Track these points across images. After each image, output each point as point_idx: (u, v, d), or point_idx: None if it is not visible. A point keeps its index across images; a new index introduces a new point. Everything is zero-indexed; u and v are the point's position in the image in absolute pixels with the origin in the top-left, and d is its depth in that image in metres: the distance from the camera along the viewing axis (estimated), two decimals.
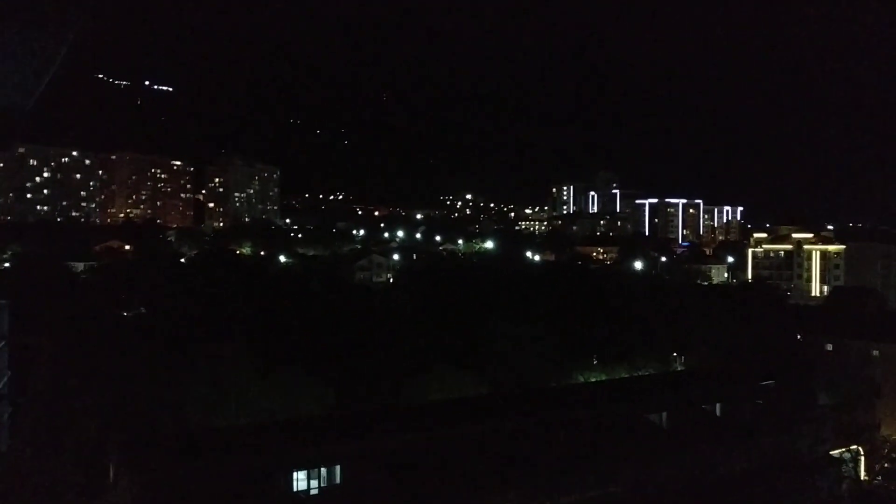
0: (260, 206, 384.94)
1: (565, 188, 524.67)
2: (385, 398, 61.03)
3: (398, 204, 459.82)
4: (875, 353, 68.96)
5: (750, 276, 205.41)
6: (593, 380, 70.50)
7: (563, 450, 45.19)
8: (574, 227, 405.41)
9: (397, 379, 63.68)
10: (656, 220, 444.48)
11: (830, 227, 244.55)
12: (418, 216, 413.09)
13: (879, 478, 60.96)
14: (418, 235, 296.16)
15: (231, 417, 53.72)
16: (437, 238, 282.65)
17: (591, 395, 57.23)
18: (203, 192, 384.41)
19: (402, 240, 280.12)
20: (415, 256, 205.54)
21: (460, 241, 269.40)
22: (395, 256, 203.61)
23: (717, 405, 57.40)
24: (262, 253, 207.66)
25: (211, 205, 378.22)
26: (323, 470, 37.77)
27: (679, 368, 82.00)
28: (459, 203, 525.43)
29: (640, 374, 73.26)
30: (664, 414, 53.47)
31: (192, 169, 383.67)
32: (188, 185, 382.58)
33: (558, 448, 45.22)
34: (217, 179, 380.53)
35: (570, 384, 68.29)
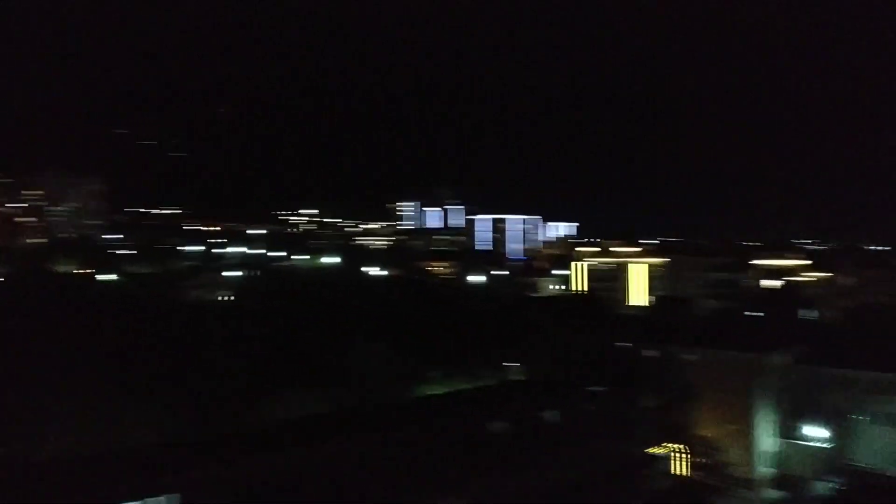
0: (85, 222, 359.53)
1: (407, 204, 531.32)
2: (226, 423, 58.69)
3: (235, 219, 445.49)
4: (691, 357, 74.71)
5: (581, 288, 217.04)
6: (436, 392, 71.56)
7: (406, 465, 45.50)
8: (415, 242, 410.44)
9: (239, 402, 61.47)
10: (495, 235, 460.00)
11: (650, 241, 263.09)
12: (256, 232, 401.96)
13: (694, 472, 66.12)
14: (257, 251, 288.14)
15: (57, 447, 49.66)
16: (277, 254, 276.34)
17: (434, 407, 58.03)
18: (16, 206, 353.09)
19: (239, 256, 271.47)
20: (254, 273, 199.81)
21: (301, 257, 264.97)
22: (233, 273, 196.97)
23: (554, 413, 60.10)
24: (85, 271, 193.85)
25: (26, 219, 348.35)
26: (161, 499, 35.79)
27: (517, 378, 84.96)
28: (299, 218, 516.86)
29: (481, 384, 75.20)
30: (503, 424, 55.26)
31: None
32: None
33: (402, 464, 45.48)
34: (33, 192, 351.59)
35: (414, 398, 68.90)
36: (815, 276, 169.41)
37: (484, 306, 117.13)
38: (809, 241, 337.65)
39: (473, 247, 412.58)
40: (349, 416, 55.08)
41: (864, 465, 68.16)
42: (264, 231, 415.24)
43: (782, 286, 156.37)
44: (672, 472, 66.17)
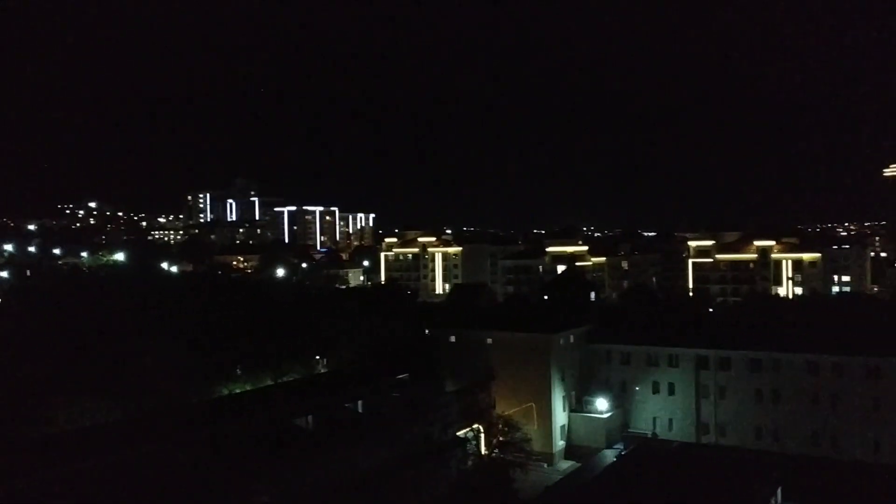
0: None
1: (201, 195, 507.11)
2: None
3: (4, 213, 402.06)
4: (489, 340, 78.10)
5: (383, 278, 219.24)
6: (238, 391, 69.21)
7: (206, 467, 43.60)
8: (212, 236, 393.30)
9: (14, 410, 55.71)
10: (295, 228, 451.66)
11: (449, 231, 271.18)
12: (31, 227, 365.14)
13: (496, 451, 69.22)
14: (32, 249, 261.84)
15: None
16: (56, 251, 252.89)
17: (237, 406, 56.07)
18: None
19: (9, 254, 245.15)
20: (28, 273, 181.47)
21: (84, 254, 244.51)
22: (2, 274, 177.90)
23: (359, 402, 60.23)
24: None
25: None
26: None
27: (323, 371, 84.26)
28: (82, 212, 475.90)
29: (285, 380, 73.72)
30: (310, 417, 54.56)
31: None
32: None
33: (202, 466, 43.52)
34: None
35: (214, 398, 66.19)
36: (597, 261, 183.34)
37: (287, 300, 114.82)
38: (592, 228, 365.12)
39: (276, 239, 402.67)
40: (147, 421, 51.76)
41: (643, 432, 75.04)
42: (42, 225, 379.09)
43: (570, 270, 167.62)
44: (476, 452, 68.84)
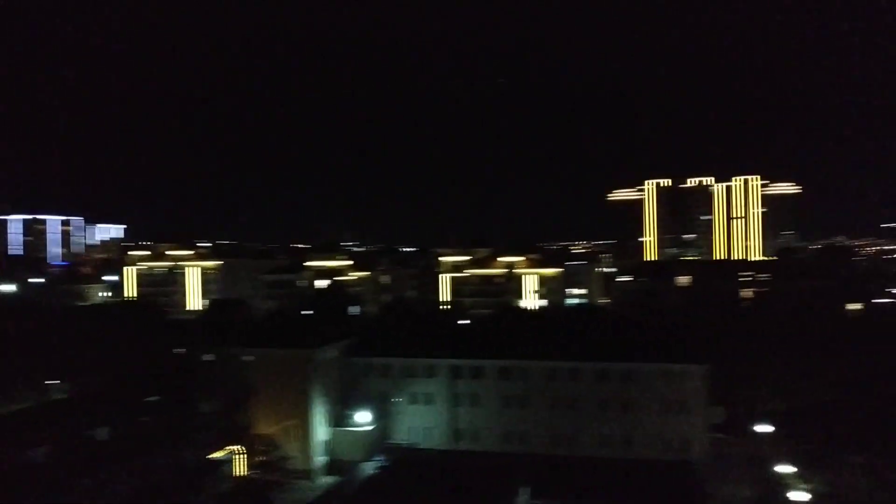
0: None
1: None
2: None
3: None
4: (247, 358, 75.83)
5: (132, 294, 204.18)
6: None
7: None
8: None
9: None
10: (29, 238, 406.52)
11: (206, 245, 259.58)
12: None
13: (256, 471, 67.33)
14: None
15: None
16: None
17: None
18: None
19: None
20: None
21: None
22: None
23: (105, 429, 55.63)
24: None
25: None
26: None
27: (62, 396, 76.59)
28: None
29: (17, 407, 66.04)
30: (42, 449, 49.43)
31: None
32: None
33: None
34: None
35: None
36: (358, 276, 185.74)
37: (18, 320, 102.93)
38: (353, 244, 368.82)
39: (4, 251, 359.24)
40: None
41: (403, 442, 77.04)
42: None
43: (331, 285, 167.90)
44: (233, 473, 66.39)
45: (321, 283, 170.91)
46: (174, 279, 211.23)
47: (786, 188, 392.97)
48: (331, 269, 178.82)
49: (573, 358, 76.01)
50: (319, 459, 74.59)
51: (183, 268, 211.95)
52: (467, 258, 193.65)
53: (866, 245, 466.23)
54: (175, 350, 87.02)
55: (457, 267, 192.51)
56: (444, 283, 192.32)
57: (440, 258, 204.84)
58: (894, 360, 78.48)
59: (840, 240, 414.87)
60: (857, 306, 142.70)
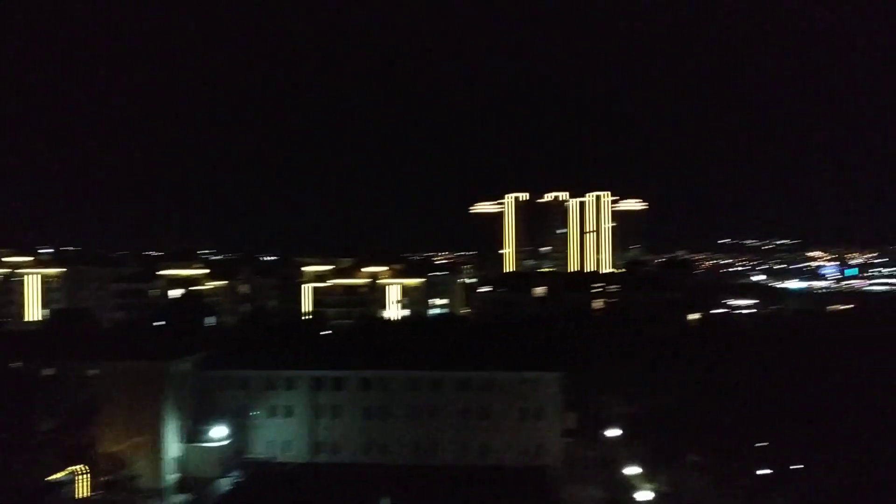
0: None
1: None
2: None
3: None
4: (93, 372, 71.45)
5: None
6: None
7: None
8: None
9: None
10: None
11: (48, 251, 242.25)
12: None
13: (101, 492, 63.39)
14: None
15: None
16: None
17: None
18: None
19: None
20: None
21: None
22: None
23: None
24: None
25: None
26: None
27: None
28: None
29: None
30: None
31: None
32: None
33: None
34: None
35: None
36: (215, 285, 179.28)
37: None
38: (210, 251, 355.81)
39: None
40: None
41: (261, 456, 74.97)
42: None
43: (186, 295, 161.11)
44: (75, 495, 62.15)
45: (175, 293, 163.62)
46: (10, 288, 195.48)
47: (633, 204, 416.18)
48: (186, 277, 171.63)
49: (435, 368, 76.86)
50: (171, 477, 71.24)
51: (21, 275, 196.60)
52: (330, 268, 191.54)
53: (704, 259, 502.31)
54: (11, 364, 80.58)
55: (319, 277, 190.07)
56: (306, 293, 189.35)
57: (302, 268, 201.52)
58: (728, 365, 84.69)
59: (682, 254, 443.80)
60: (697, 316, 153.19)
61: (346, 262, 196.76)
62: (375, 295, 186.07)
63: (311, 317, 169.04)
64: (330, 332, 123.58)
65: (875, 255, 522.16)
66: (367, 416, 76.60)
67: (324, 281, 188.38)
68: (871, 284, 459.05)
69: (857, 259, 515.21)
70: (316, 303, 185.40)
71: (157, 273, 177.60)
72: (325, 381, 77.34)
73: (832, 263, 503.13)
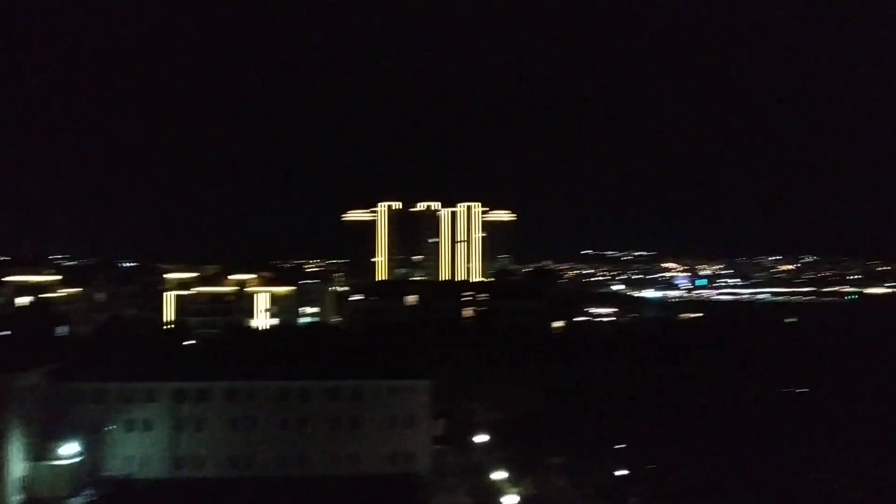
0: None
1: None
2: None
3: None
4: None
5: None
6: None
7: None
8: None
9: None
10: None
11: None
12: None
13: None
14: None
15: None
16: None
17: None
18: None
19: None
20: None
21: None
22: None
23: None
24: None
25: None
26: None
27: None
28: None
29: None
30: None
31: None
32: None
33: None
34: None
35: None
36: (69, 292, 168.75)
37: None
38: (64, 257, 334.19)
39: None
40: None
41: (116, 474, 71.12)
42: None
43: (35, 302, 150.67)
44: None
45: (23, 301, 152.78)
46: None
47: (502, 215, 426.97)
48: (35, 284, 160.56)
49: (304, 377, 75.78)
50: (15, 499, 66.29)
51: None
52: (195, 275, 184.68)
53: (568, 269, 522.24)
54: None
55: (183, 284, 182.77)
56: (169, 301, 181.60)
57: (165, 275, 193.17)
58: (589, 371, 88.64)
59: (547, 264, 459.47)
60: (561, 323, 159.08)
61: (212, 269, 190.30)
62: (243, 303, 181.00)
63: (173, 326, 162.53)
64: (193, 341, 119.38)
65: (722, 266, 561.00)
66: (233, 428, 74.35)
67: (188, 289, 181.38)
68: (718, 294, 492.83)
69: (707, 270, 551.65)
70: (179, 312, 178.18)
71: (2, 279, 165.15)
72: (188, 393, 74.48)
73: (684, 274, 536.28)
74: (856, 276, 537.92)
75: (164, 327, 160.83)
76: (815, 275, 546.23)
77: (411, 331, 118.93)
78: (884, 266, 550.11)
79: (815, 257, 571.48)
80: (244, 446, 74.12)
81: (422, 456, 74.96)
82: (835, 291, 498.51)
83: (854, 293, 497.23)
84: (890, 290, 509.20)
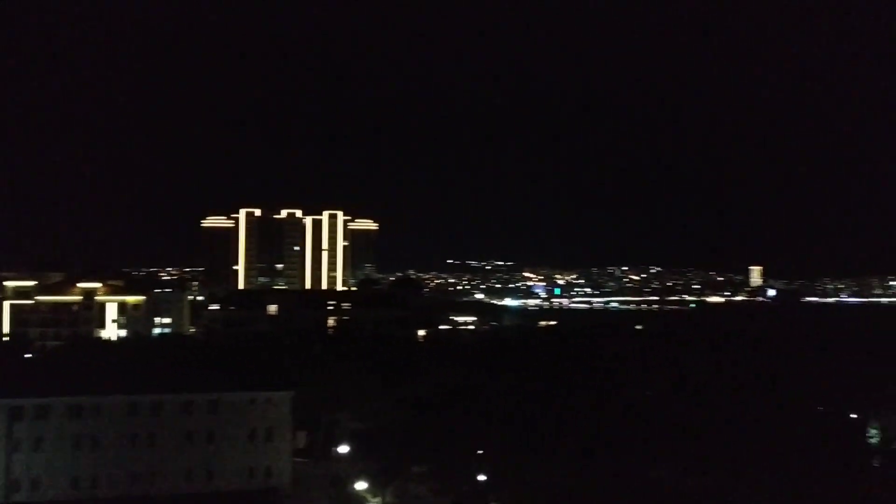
0: None
1: None
2: None
3: None
4: None
5: None
6: None
7: None
8: None
9: None
10: None
11: None
12: None
13: None
14: None
15: None
16: None
17: None
18: None
19: None
20: None
21: None
22: None
23: None
24: None
25: None
26: None
27: None
28: None
29: None
30: None
31: None
32: None
33: None
34: None
35: None
36: None
37: None
38: None
39: None
40: None
41: None
42: None
43: None
44: None
45: None
46: None
47: (366, 224, 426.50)
48: None
49: (155, 390, 72.18)
50: None
51: None
52: (34, 283, 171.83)
53: (432, 278, 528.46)
54: None
55: (21, 293, 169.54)
56: (4, 311, 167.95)
57: (2, 283, 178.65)
58: (452, 379, 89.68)
59: (411, 273, 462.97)
60: (424, 332, 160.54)
61: (56, 276, 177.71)
62: (90, 313, 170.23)
63: (8, 338, 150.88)
64: (32, 354, 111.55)
65: (577, 276, 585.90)
66: (76, 446, 69.64)
67: (27, 298, 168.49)
68: (573, 302, 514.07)
69: (562, 280, 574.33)
70: (16, 322, 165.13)
71: None
72: (26, 410, 69.10)
73: (542, 284, 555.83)
74: (696, 287, 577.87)
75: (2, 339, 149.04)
76: (660, 285, 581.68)
77: (272, 341, 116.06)
78: (720, 277, 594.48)
79: (659, 269, 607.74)
80: (89, 466, 69.63)
81: (282, 469, 73.30)
82: (678, 300, 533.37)
83: (694, 301, 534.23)
84: (724, 300, 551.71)
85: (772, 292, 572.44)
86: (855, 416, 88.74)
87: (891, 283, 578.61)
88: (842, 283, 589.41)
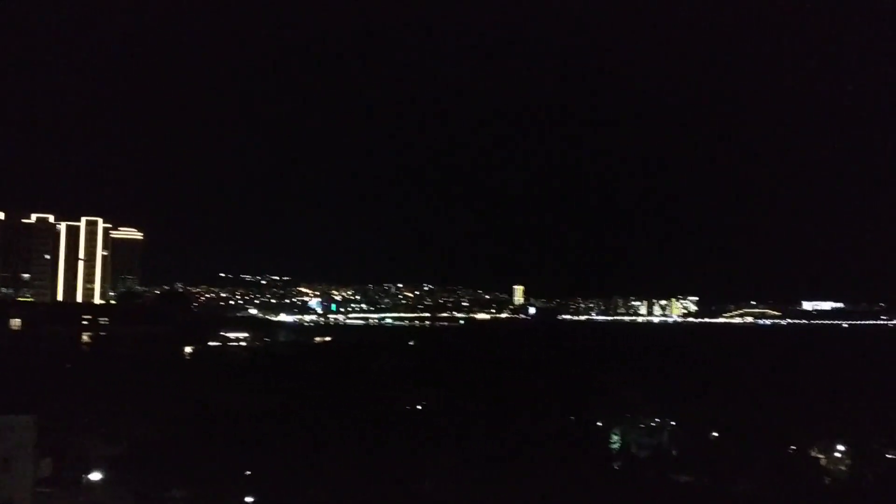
0: None
1: None
2: None
3: None
4: None
5: None
6: None
7: None
8: None
9: None
10: None
11: None
12: None
13: None
14: None
15: None
16: None
17: None
18: None
19: None
20: None
21: None
22: None
23: None
24: None
25: None
26: None
27: None
28: None
29: None
30: None
31: None
32: None
33: None
34: None
35: None
36: None
37: None
38: None
39: None
40: None
41: None
42: None
43: None
44: None
45: None
46: None
47: (130, 233, 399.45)
48: None
49: None
50: None
51: None
52: None
53: (203, 292, 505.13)
54: None
55: None
56: None
57: None
58: (218, 396, 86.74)
59: (179, 286, 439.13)
60: (191, 349, 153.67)
61: None
62: None
63: None
64: None
65: (352, 292, 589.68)
66: None
67: None
68: (349, 318, 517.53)
69: (338, 296, 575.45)
70: None
71: None
72: None
73: (318, 299, 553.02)
74: (465, 304, 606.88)
75: None
76: (432, 302, 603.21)
77: (15, 359, 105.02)
78: (487, 295, 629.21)
79: (432, 286, 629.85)
80: None
81: (23, 501, 66.37)
82: (449, 317, 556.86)
83: (463, 318, 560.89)
84: (491, 316, 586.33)
85: (532, 310, 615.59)
86: (600, 423, 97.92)
87: (632, 302, 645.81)
88: (591, 303, 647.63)
